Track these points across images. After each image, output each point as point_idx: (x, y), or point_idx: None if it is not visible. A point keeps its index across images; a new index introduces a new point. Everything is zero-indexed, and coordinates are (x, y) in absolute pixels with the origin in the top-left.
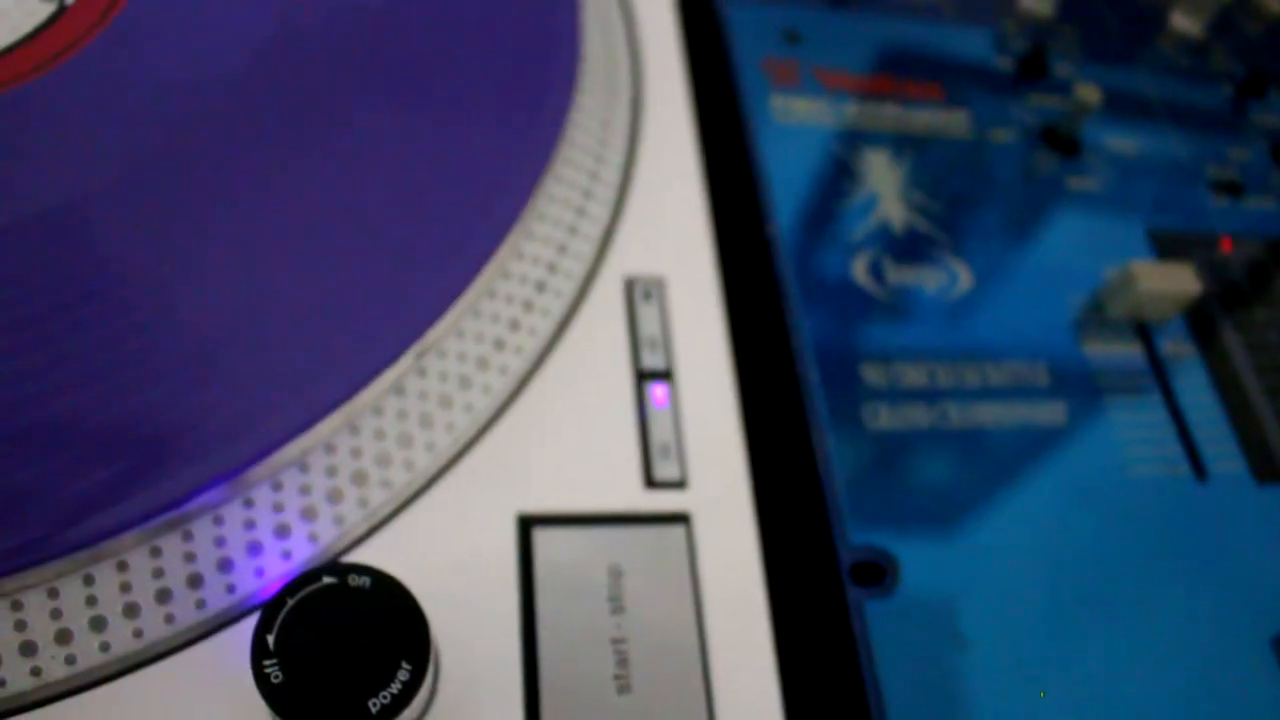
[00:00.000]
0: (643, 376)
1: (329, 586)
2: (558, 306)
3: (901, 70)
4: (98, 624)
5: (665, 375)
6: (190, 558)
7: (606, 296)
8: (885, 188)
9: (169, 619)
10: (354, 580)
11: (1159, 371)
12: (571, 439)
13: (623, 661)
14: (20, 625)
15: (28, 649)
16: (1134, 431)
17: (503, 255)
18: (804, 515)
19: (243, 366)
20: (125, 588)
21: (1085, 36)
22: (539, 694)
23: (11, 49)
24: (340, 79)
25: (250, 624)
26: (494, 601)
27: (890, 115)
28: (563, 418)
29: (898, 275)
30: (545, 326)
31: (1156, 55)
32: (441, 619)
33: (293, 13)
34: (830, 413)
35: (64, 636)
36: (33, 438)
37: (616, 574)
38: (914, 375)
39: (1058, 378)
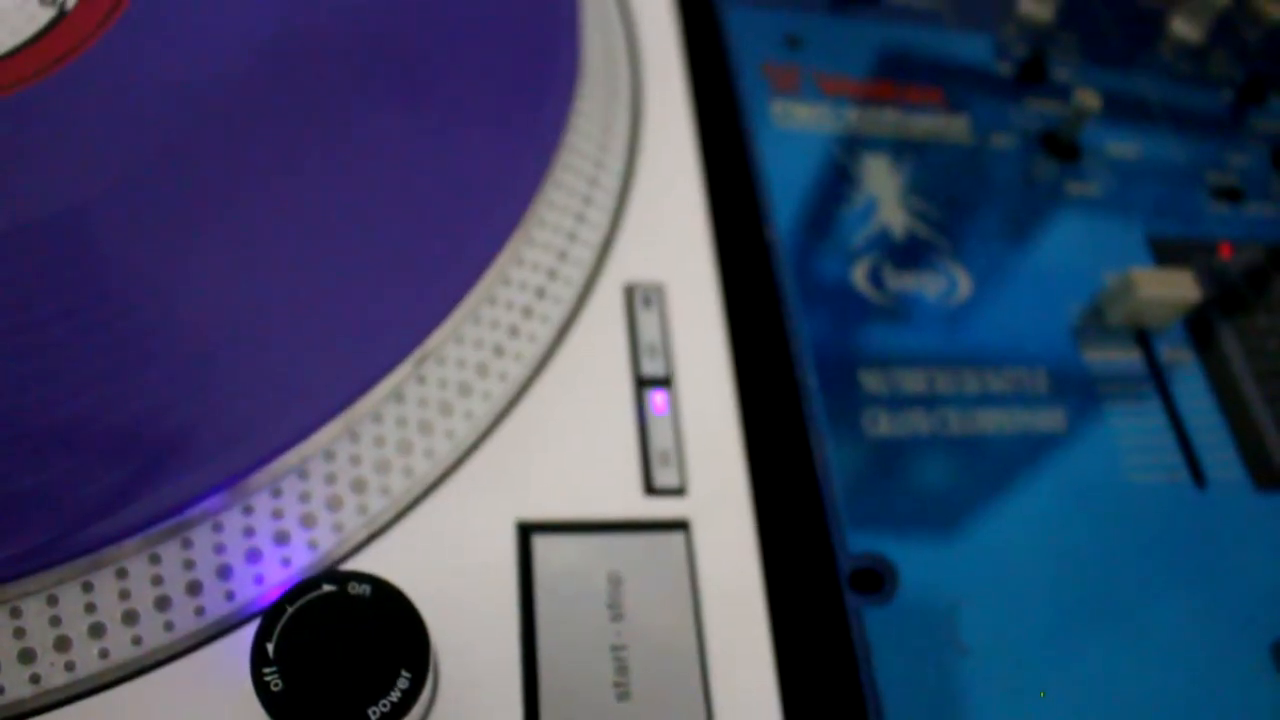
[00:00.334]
0: (642, 383)
1: (328, 594)
2: (558, 313)
3: (901, 75)
4: (97, 631)
5: (665, 382)
6: (190, 565)
7: (606, 303)
8: (885, 193)
9: (168, 626)
10: (354, 588)
11: (1158, 378)
12: (571, 446)
13: (622, 669)
14: (19, 632)
15: (27, 656)
16: (1133, 438)
17: (503, 261)
18: (803, 522)
19: (242, 373)
20: (124, 595)
21: (1085, 42)
22: (538, 701)
23: (12, 53)
24: (340, 86)
25: (250, 631)
26: (493, 608)
27: (890, 120)
28: (563, 424)
29: (897, 281)
30: (545, 333)
31: (1156, 60)
32: (441, 626)
33: (291, 18)
34: (830, 419)
35: (63, 644)
36: (32, 444)
37: (616, 581)
38: (914, 381)
39: (1057, 384)
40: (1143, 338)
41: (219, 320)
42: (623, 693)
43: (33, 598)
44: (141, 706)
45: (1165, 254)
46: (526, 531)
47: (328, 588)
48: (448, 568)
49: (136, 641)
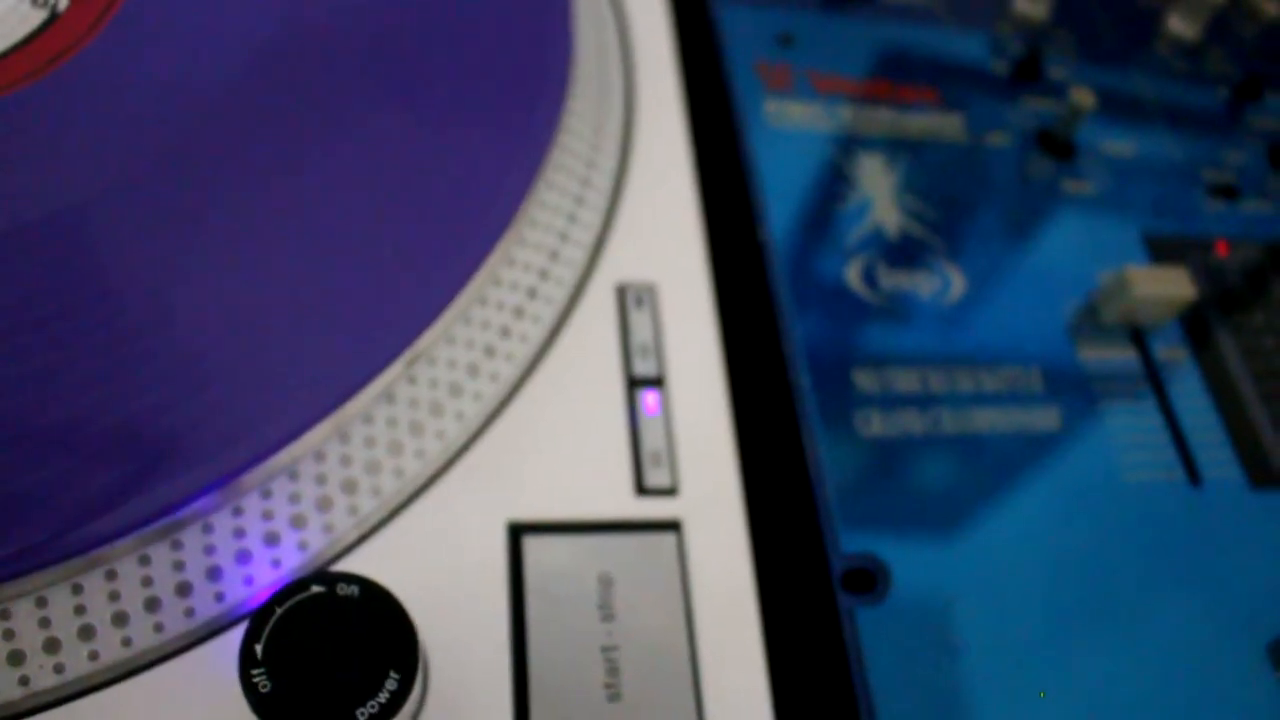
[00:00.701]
0: (634, 383)
1: (317, 595)
2: (549, 313)
3: (896, 74)
4: (86, 633)
5: (657, 382)
6: (179, 566)
7: (598, 303)
8: (879, 192)
9: (158, 627)
10: (342, 589)
11: (1154, 376)
12: (563, 446)
13: (613, 669)
14: (8, 634)
15: (16, 658)
16: (1128, 437)
17: (494, 261)
18: (795, 522)
19: (232, 374)
20: (114, 596)
21: (1080, 40)
22: (529, 702)
23: (4, 55)
24: (331, 87)
25: (240, 632)
26: (484, 609)
27: (884, 119)
28: (554, 425)
29: (891, 280)
30: (537, 333)
31: (1152, 58)
32: (431, 626)
33: (282, 20)
34: (822, 419)
35: (52, 645)
36: (21, 446)
37: (607, 582)
38: (907, 381)
39: (1052, 383)
40: (1138, 336)
41: (208, 321)
42: (613, 694)
43: (22, 599)
44: (131, 708)
45: (1161, 252)
46: (517, 532)
47: (316, 589)
48: (439, 568)
49: (126, 643)
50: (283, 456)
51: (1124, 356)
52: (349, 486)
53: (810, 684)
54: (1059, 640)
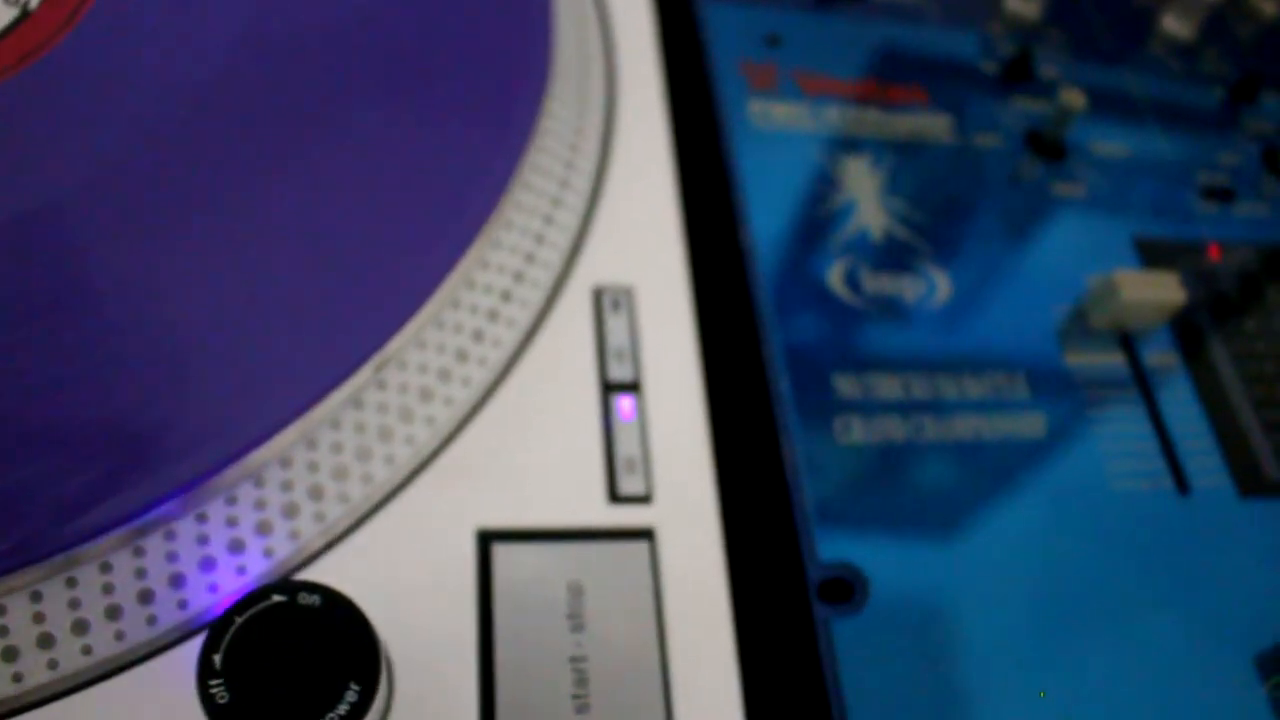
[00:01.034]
0: (609, 388)
1: (278, 604)
2: (524, 317)
3: (884, 74)
4: (45, 641)
5: (632, 387)
6: (142, 573)
7: (574, 306)
8: (864, 194)
9: (119, 635)
10: (304, 598)
11: (1143, 382)
12: (535, 452)
13: (581, 680)
14: None
15: None
16: (1116, 444)
17: (467, 264)
18: (772, 531)
19: (197, 378)
20: (74, 604)
21: (1074, 40)
22: (495, 713)
23: None
24: (304, 88)
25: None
26: (451, 618)
27: (871, 120)
28: (527, 431)
29: (875, 284)
30: (511, 337)
31: (1146, 58)
32: (397, 636)
33: (255, 18)
34: (801, 425)
35: (10, 654)
36: None
37: (577, 591)
38: (889, 386)
39: (1038, 389)
40: (1127, 341)
41: (172, 325)
42: (582, 704)
43: None
44: (92, 718)
45: (1152, 256)
46: (487, 540)
47: (277, 598)
48: (406, 577)
49: (87, 651)
50: (248, 462)
51: (1113, 362)
52: (316, 493)
53: (785, 696)
54: (1042, 652)
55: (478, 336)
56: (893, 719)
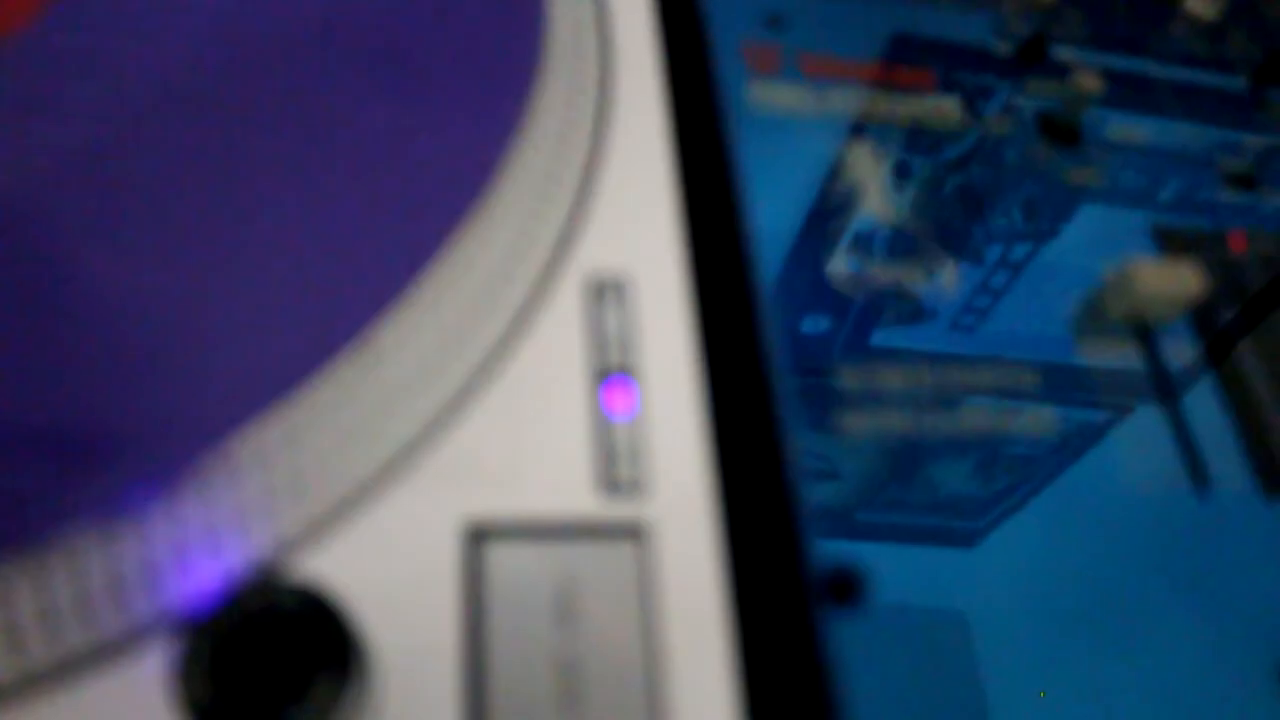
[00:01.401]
0: (602, 379)
1: (254, 598)
2: (513, 306)
3: (890, 56)
4: (11, 632)
5: (626, 378)
6: (115, 564)
7: (566, 296)
8: (869, 181)
9: (91, 627)
10: (280, 592)
11: (1161, 376)
12: (524, 445)
13: (570, 680)
14: None
15: None
16: (1132, 440)
17: (456, 251)
18: (772, 527)
19: (177, 369)
20: (43, 594)
21: (1091, 21)
22: (482, 708)
23: None
24: (285, 74)
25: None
26: (436, 615)
27: (877, 104)
28: (515, 423)
29: (880, 274)
30: (500, 327)
31: (1167, 40)
32: (379, 631)
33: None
34: (802, 418)
35: None
36: None
37: (567, 588)
38: (894, 378)
39: (1050, 382)
40: (1145, 333)
41: (152, 314)
42: (569, 704)
43: None
44: (60, 712)
45: (1171, 245)
46: (473, 534)
47: (254, 592)
48: (389, 570)
49: (55, 642)
50: (227, 454)
51: (1129, 355)
52: (296, 483)
53: (782, 694)
54: (1052, 653)
55: (466, 326)
56: (897, 718)
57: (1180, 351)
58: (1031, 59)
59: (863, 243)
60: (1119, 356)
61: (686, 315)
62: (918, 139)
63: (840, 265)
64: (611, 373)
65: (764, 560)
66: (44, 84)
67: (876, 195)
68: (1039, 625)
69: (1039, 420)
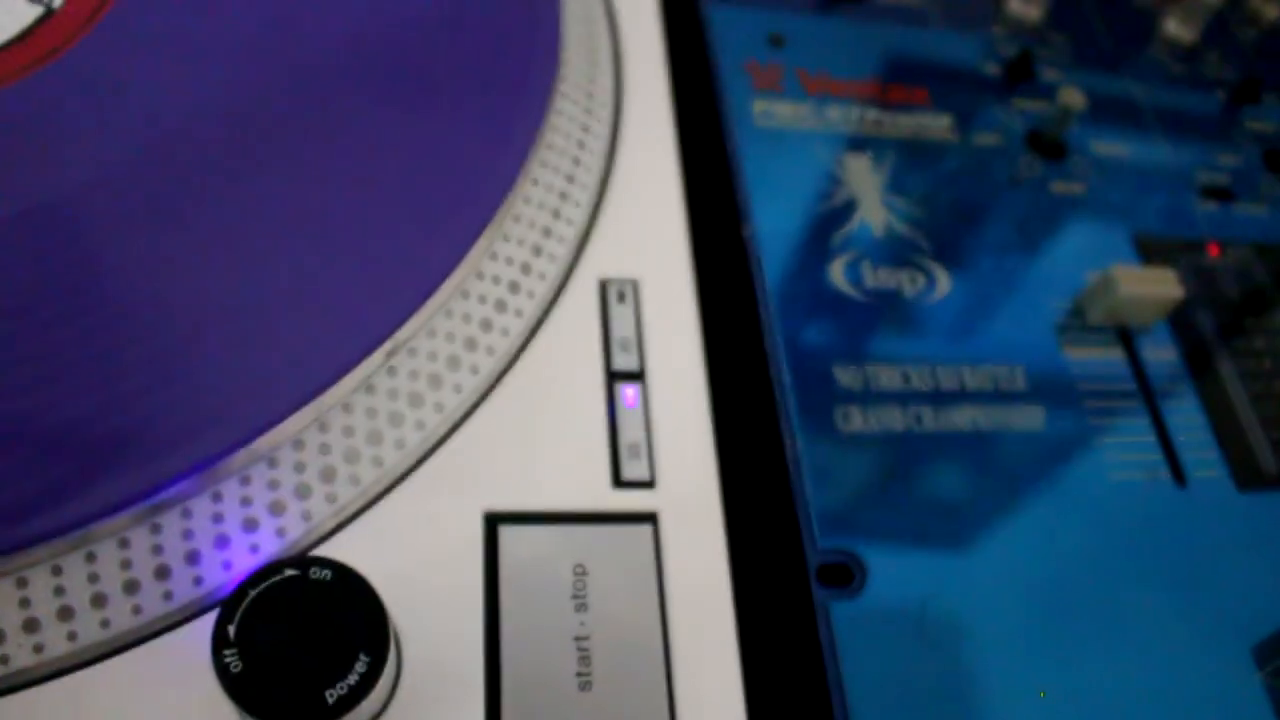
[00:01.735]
0: (614, 377)
1: (290, 578)
2: (531, 307)
3: (886, 75)
4: (65, 614)
5: (637, 376)
6: (158, 549)
7: (580, 298)
8: (866, 191)
9: (136, 610)
10: (315, 573)
11: (1141, 377)
12: (541, 438)
13: (585, 659)
14: None
15: None
16: (1114, 437)
17: (476, 255)
18: (773, 517)
19: (212, 361)
20: (94, 578)
21: (1076, 43)
22: (500, 689)
23: None
24: (319, 81)
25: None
26: (458, 597)
27: (873, 120)
28: (533, 417)
29: (875, 279)
30: (518, 327)
31: (1148, 61)
32: (406, 614)
33: (273, 17)
34: (802, 414)
35: (31, 625)
36: (2, 430)
37: (581, 572)
38: (889, 377)
39: (1036, 382)
40: (1125, 337)
41: (190, 309)
42: (585, 682)
43: (2, 580)
44: (109, 688)
45: (1152, 253)
46: (493, 521)
47: (290, 572)
48: (414, 556)
49: (105, 624)
50: (262, 443)
51: (1111, 357)
52: (327, 474)
53: (784, 677)
54: (1038, 639)
55: (486, 325)
56: (891, 702)
57: (1160, 353)
58: (1019, 78)
59: (858, 248)
60: (1102, 357)
61: (695, 316)
62: (912, 152)
63: (839, 271)
64: (624, 370)
65: (765, 545)
66: (92, 93)
67: (872, 204)
68: (1023, 608)
69: (1025, 416)
